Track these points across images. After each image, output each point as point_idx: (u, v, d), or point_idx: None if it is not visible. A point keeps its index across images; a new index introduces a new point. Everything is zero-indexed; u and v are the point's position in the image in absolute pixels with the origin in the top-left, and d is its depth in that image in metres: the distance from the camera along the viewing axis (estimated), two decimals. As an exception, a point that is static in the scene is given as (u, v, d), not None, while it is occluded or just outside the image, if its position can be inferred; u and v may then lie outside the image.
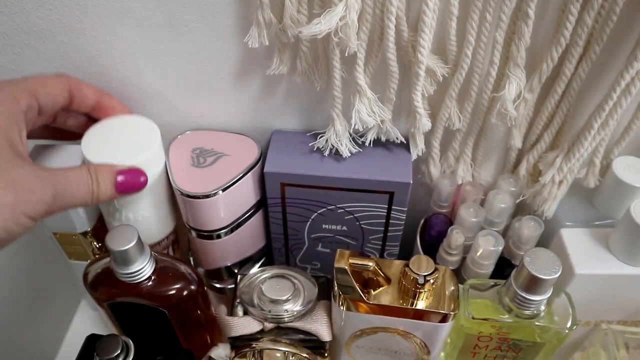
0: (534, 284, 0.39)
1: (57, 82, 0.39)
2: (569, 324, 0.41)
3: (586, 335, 0.50)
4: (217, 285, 0.53)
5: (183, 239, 0.54)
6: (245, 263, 0.52)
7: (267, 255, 0.54)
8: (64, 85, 0.39)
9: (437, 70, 0.40)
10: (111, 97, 0.43)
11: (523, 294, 0.40)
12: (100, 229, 0.49)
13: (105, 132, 0.42)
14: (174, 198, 0.47)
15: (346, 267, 0.41)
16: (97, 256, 0.50)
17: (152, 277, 0.41)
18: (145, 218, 0.44)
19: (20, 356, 0.53)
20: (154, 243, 0.47)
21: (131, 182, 0.39)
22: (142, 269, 0.40)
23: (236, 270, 0.52)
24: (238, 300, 0.46)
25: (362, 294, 0.41)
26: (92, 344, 0.44)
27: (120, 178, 0.38)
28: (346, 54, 0.37)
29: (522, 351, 0.45)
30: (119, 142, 0.41)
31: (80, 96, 0.40)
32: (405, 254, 0.50)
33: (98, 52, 0.43)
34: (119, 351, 0.38)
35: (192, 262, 0.53)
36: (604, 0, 0.35)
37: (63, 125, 0.43)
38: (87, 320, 0.59)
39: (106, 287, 0.42)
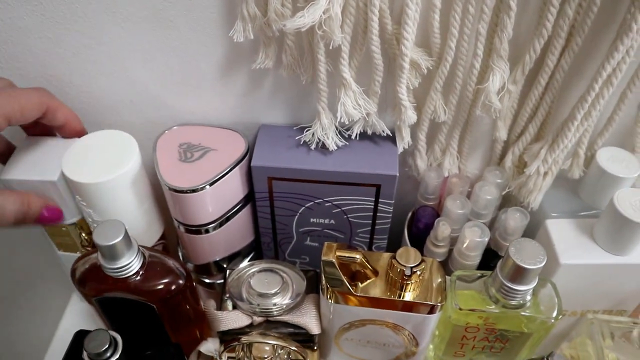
0: (519, 274, 0.39)
1: (36, 107, 0.41)
2: (554, 314, 0.42)
3: (573, 325, 0.50)
4: (206, 280, 0.53)
5: (172, 234, 0.54)
6: (234, 258, 0.52)
7: (256, 250, 0.54)
8: (41, 108, 0.41)
9: (421, 63, 0.40)
10: (78, 122, 0.45)
11: (509, 284, 0.40)
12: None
13: (84, 150, 0.44)
14: (161, 204, 0.47)
15: (333, 260, 0.41)
16: (86, 250, 0.50)
17: (140, 272, 0.41)
18: (130, 229, 0.44)
19: (10, 351, 0.53)
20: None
21: (52, 217, 0.43)
22: (130, 263, 0.40)
23: (225, 265, 0.52)
24: (227, 295, 0.47)
25: (349, 287, 0.42)
26: (81, 339, 0.44)
27: (46, 210, 0.43)
28: (330, 47, 0.38)
29: (510, 341, 0.46)
30: (98, 159, 0.43)
31: (52, 117, 0.43)
32: (393, 247, 0.50)
33: (84, 48, 0.43)
34: (106, 346, 0.38)
35: (181, 257, 0.53)
36: (584, -8, 0.35)
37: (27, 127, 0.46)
38: (79, 312, 0.59)
39: (94, 282, 0.42)
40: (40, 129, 0.46)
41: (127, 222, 0.40)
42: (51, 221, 0.44)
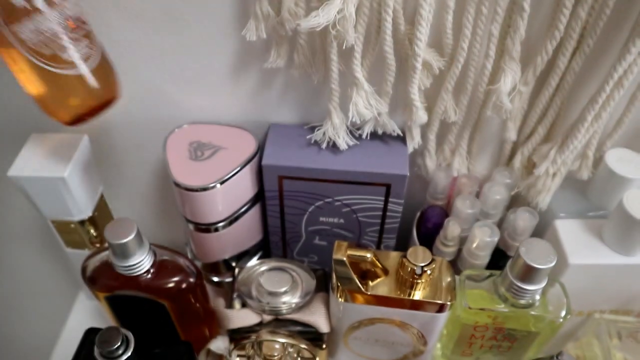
0: (529, 273, 0.39)
1: None
2: (563, 313, 0.42)
3: (579, 325, 0.50)
4: (215, 279, 0.53)
5: (180, 233, 0.54)
6: (243, 256, 0.52)
7: (264, 249, 0.54)
8: None
9: (433, 64, 0.40)
10: None
11: (519, 284, 0.40)
12: (97, 218, 0.49)
13: None
14: (170, 202, 0.46)
15: (344, 259, 0.42)
16: (96, 247, 0.50)
17: (151, 270, 0.41)
18: None
19: (17, 350, 0.52)
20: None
21: None
22: (141, 261, 0.40)
23: (234, 264, 0.52)
24: (236, 293, 0.47)
25: (360, 285, 0.42)
26: (91, 337, 0.44)
27: None
28: (344, 47, 0.38)
29: (517, 341, 0.46)
30: None
31: None
32: (402, 247, 0.51)
33: (95, 46, 0.43)
34: (119, 344, 0.38)
35: (189, 256, 0.53)
36: (597, -6, 0.36)
37: None
38: (86, 310, 0.59)
39: (105, 280, 0.42)
40: None
41: None
42: None
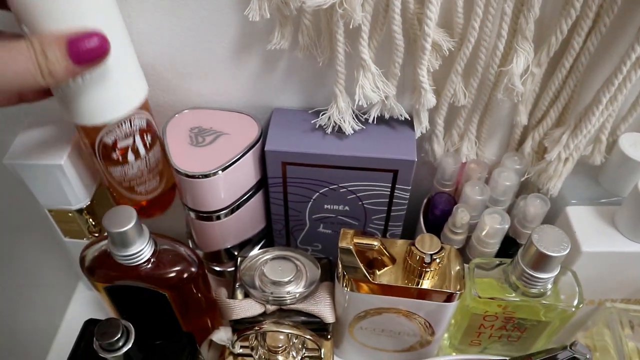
0: (541, 261, 0.38)
1: None
2: (575, 302, 0.41)
3: (589, 314, 0.49)
4: (217, 268, 0.52)
5: (181, 221, 0.53)
6: (245, 245, 0.51)
7: (267, 237, 0.53)
8: None
9: (443, 44, 0.38)
10: None
11: (530, 272, 0.39)
12: (96, 206, 0.48)
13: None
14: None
15: (350, 247, 0.40)
16: (94, 237, 0.49)
17: (152, 260, 0.40)
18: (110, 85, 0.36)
19: (15, 342, 0.51)
20: (119, 118, 0.38)
21: (88, 46, 0.31)
22: (141, 251, 0.39)
23: (236, 253, 0.51)
24: (239, 283, 0.46)
25: (366, 274, 0.41)
26: (91, 328, 0.43)
27: (72, 43, 0.30)
28: (350, 27, 0.36)
29: (527, 330, 0.45)
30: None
31: None
32: (408, 235, 0.49)
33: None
34: (119, 335, 0.37)
35: (190, 245, 0.52)
36: (616, -30, 0.34)
37: None
38: (86, 301, 0.58)
39: (104, 270, 0.41)
40: None
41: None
42: (91, 52, 0.31)
